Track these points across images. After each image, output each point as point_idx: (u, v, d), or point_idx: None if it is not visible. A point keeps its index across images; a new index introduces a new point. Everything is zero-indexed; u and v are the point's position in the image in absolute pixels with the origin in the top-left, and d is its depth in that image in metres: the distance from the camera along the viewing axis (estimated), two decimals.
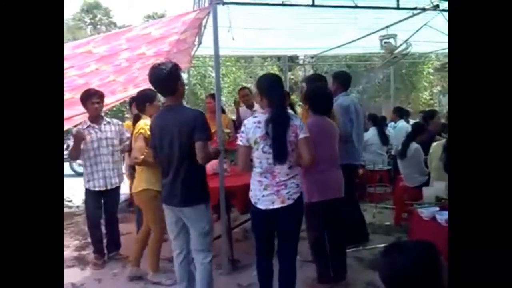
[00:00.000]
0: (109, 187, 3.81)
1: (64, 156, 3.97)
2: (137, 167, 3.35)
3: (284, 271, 2.68)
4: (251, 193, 2.61)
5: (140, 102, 3.39)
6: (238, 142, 2.57)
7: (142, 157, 3.08)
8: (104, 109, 4.88)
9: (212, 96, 4.70)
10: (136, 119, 3.41)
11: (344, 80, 4.06)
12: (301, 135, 2.53)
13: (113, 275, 3.68)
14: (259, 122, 2.51)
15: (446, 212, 2.79)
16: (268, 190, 2.53)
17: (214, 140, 3.37)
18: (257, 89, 2.66)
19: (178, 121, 2.58)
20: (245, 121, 2.59)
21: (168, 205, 2.72)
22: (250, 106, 5.37)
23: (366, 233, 4.15)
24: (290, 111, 3.04)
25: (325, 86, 3.60)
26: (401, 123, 6.82)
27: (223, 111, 5.59)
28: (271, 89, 2.57)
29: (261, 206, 2.54)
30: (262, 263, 2.71)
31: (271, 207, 2.53)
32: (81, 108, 3.90)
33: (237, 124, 5.12)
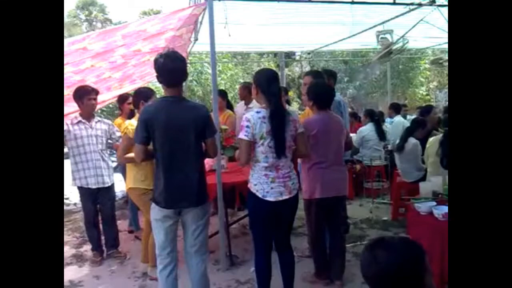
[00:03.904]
0: (101, 186, 3.78)
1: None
2: (127, 165, 3.40)
3: (288, 262, 2.80)
4: (256, 187, 2.59)
5: (136, 99, 3.38)
6: (242, 137, 2.52)
7: (125, 156, 3.19)
8: (100, 106, 4.86)
9: (220, 93, 4.70)
10: (130, 115, 3.42)
11: (335, 76, 4.32)
12: (300, 130, 2.69)
13: (111, 272, 3.68)
14: (263, 117, 2.52)
15: (443, 207, 2.80)
16: (275, 183, 2.57)
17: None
18: (254, 84, 2.66)
19: (192, 117, 2.44)
20: (247, 116, 2.55)
21: (170, 208, 2.48)
22: (248, 102, 5.36)
23: (348, 224, 4.26)
24: (287, 106, 3.04)
25: (325, 82, 3.63)
26: (398, 118, 6.83)
27: (232, 107, 5.58)
28: (268, 84, 2.57)
29: (270, 198, 2.57)
30: (263, 262, 2.71)
31: (280, 198, 2.58)
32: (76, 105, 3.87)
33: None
